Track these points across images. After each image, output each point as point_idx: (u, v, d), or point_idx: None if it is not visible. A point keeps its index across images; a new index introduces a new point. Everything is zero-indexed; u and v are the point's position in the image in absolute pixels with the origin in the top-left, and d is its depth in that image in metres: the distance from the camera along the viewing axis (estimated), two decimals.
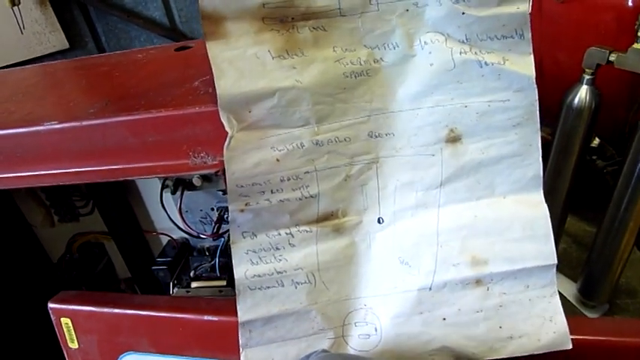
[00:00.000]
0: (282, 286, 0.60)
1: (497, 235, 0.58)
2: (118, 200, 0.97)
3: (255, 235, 0.60)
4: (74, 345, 0.74)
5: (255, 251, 0.60)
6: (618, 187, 1.14)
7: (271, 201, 0.58)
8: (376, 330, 0.60)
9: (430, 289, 0.58)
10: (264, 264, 0.60)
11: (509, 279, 0.58)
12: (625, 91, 1.20)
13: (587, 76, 1.09)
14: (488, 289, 0.58)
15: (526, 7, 0.52)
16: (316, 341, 0.61)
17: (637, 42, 1.01)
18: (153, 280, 0.99)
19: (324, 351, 0.57)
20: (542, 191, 0.57)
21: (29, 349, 1.04)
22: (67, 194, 1.01)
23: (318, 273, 0.60)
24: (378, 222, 0.61)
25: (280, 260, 0.60)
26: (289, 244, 0.60)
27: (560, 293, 1.25)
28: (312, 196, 0.59)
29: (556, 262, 0.57)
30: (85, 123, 0.58)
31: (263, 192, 0.58)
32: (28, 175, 0.63)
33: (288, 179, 0.58)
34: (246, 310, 0.61)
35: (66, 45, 2.13)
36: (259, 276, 0.60)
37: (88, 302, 0.72)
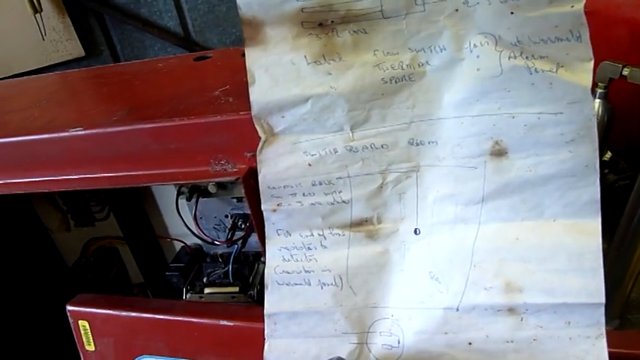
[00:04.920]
0: (309, 284, 0.61)
1: (539, 263, 0.53)
2: (134, 206, 0.98)
3: (290, 234, 0.61)
4: (91, 347, 0.75)
5: (288, 249, 0.61)
6: (630, 201, 1.13)
7: (303, 203, 0.59)
8: (399, 342, 0.59)
9: (457, 309, 0.56)
10: (295, 262, 0.61)
11: (547, 312, 0.53)
12: (638, 104, 1.20)
13: (599, 90, 1.09)
14: (522, 320, 0.54)
15: (581, 6, 0.47)
16: (338, 343, 0.61)
17: None
18: (166, 286, 1.00)
19: (339, 358, 0.58)
20: (599, 219, 0.52)
21: (45, 352, 1.05)
22: (84, 199, 1.03)
23: (346, 277, 0.60)
24: (415, 233, 0.59)
25: (310, 260, 0.61)
26: (321, 245, 0.61)
27: None
28: (344, 202, 0.59)
29: (604, 301, 0.52)
30: (108, 130, 0.60)
31: (294, 194, 0.59)
32: (52, 180, 0.64)
33: (320, 184, 0.58)
34: (272, 303, 0.62)
35: (82, 53, 2.17)
36: (288, 272, 0.61)
37: (106, 305, 0.73)
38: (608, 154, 1.32)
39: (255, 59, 0.55)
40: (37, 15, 1.93)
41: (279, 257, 0.62)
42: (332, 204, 0.59)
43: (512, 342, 0.54)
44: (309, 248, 0.61)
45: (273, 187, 0.59)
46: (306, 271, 0.61)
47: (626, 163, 1.33)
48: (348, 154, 0.57)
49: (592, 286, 0.51)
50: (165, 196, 0.96)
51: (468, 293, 0.55)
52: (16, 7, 1.91)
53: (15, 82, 1.02)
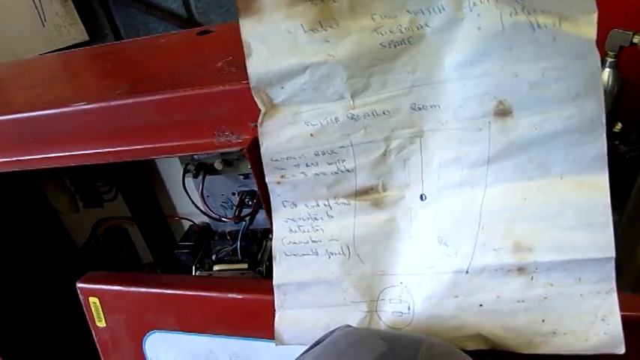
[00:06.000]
0: (317, 254, 0.61)
1: (547, 220, 0.52)
2: (141, 186, 0.99)
3: (295, 205, 0.61)
4: (102, 324, 0.76)
5: (295, 220, 0.61)
6: None
7: (307, 174, 0.59)
8: (409, 309, 0.59)
9: (467, 272, 0.55)
10: (302, 232, 0.61)
11: (557, 270, 0.53)
12: None
13: (609, 59, 1.07)
14: (532, 279, 0.54)
15: None
16: (348, 312, 0.61)
17: None
18: (175, 264, 1.00)
19: (347, 326, 0.58)
20: (606, 174, 0.51)
21: (56, 331, 1.06)
22: (92, 180, 1.03)
23: (353, 246, 0.60)
24: (421, 199, 0.58)
25: (317, 230, 0.61)
26: (327, 215, 0.60)
27: None
28: (348, 170, 0.58)
29: (614, 255, 0.51)
30: (112, 103, 0.60)
31: (298, 165, 0.58)
32: (58, 156, 0.64)
33: (323, 153, 0.58)
34: (280, 274, 0.62)
35: (86, 37, 2.16)
36: (295, 243, 0.61)
37: (116, 282, 0.74)
38: (619, 126, 1.30)
39: (251, 30, 0.54)
40: (37, 1, 1.92)
41: (285, 229, 0.62)
42: (336, 173, 0.58)
43: (523, 302, 0.54)
44: (316, 219, 0.61)
45: (276, 159, 0.58)
46: (313, 242, 0.61)
47: (638, 134, 1.31)
48: (349, 122, 0.56)
49: (602, 241, 0.51)
50: (172, 174, 0.96)
51: (477, 255, 0.55)
52: None
53: (18, 63, 1.02)
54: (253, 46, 0.54)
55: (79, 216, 1.09)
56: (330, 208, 0.60)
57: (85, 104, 0.60)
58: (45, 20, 2.00)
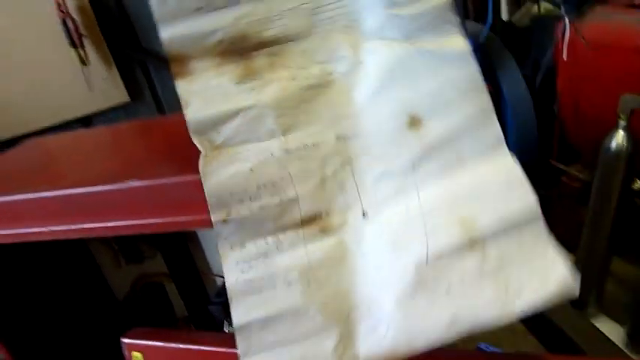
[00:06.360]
0: (275, 287, 0.60)
1: (479, 200, 0.59)
2: (179, 245, 1.06)
3: (243, 246, 0.61)
4: None
5: (245, 261, 0.61)
6: None
7: (252, 208, 0.60)
8: (381, 320, 0.59)
9: (427, 263, 0.58)
10: (255, 270, 0.61)
11: (501, 238, 0.58)
12: None
13: (622, 122, 1.11)
14: (484, 252, 0.58)
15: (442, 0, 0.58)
16: (321, 341, 0.60)
17: None
18: (209, 319, 1.06)
19: None
20: (507, 150, 0.60)
21: None
22: (134, 239, 1.11)
23: (310, 273, 0.61)
24: (363, 217, 0.62)
25: (271, 265, 0.61)
26: (277, 250, 0.61)
27: (608, 337, 1.22)
28: (291, 200, 0.61)
29: (539, 210, 0.57)
30: (156, 180, 0.66)
31: (242, 200, 0.60)
32: (104, 227, 0.71)
33: (265, 186, 0.61)
34: (240, 314, 0.60)
35: (127, 99, 2.32)
36: (251, 281, 0.61)
37: (159, 338, 0.79)
38: (638, 184, 1.32)
39: (186, 88, 0.61)
40: (85, 68, 2.09)
41: (237, 271, 0.61)
42: (280, 205, 0.61)
43: (483, 275, 0.58)
44: (267, 256, 0.61)
45: (220, 197, 0.60)
46: (268, 276, 0.60)
47: None
48: (285, 155, 0.61)
49: (526, 205, 0.57)
50: (208, 234, 1.02)
51: (431, 245, 0.58)
52: (68, 60, 2.08)
53: (69, 137, 1.12)
54: (189, 99, 0.61)
55: (120, 271, 1.16)
56: (280, 242, 0.61)
57: (131, 182, 0.67)
58: (92, 85, 2.16)
